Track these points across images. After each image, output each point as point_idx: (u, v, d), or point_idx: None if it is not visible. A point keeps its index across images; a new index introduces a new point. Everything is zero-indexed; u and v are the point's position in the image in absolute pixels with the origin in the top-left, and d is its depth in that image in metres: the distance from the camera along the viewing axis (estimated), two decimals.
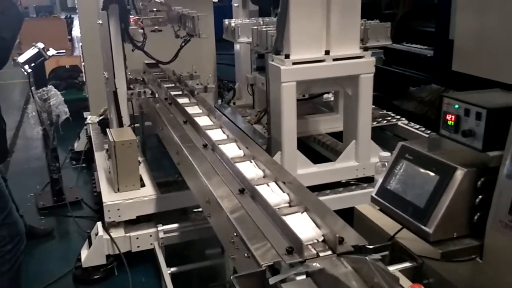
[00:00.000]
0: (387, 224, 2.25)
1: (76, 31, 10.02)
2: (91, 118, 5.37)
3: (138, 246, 3.37)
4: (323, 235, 1.87)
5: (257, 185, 2.28)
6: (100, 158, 4.17)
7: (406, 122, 4.66)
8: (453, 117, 1.97)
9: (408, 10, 5.94)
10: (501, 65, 3.98)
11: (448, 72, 4.58)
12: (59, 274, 3.48)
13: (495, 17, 4.06)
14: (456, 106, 1.96)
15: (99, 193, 3.67)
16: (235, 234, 1.95)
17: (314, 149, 4.42)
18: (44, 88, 4.29)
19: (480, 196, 1.88)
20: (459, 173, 1.86)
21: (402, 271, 1.94)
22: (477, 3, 4.24)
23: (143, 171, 3.73)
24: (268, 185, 2.33)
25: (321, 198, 3.44)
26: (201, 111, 3.63)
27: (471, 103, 1.90)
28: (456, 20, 4.53)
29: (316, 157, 3.95)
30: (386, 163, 2.36)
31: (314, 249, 1.79)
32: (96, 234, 3.35)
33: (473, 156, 1.90)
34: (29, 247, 3.86)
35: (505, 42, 3.96)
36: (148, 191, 3.49)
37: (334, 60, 3.53)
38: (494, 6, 4.06)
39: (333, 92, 4.84)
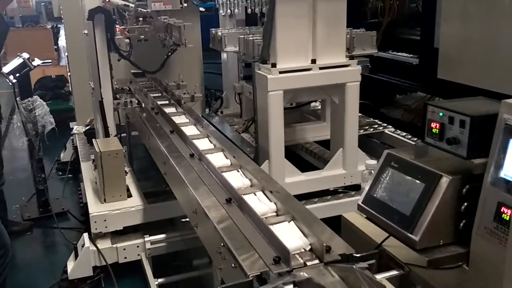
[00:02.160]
0: (374, 232, 2.25)
1: (62, 41, 9.99)
2: (77, 128, 5.33)
3: (125, 257, 3.34)
4: (310, 244, 1.87)
5: (244, 194, 2.27)
6: (86, 169, 4.14)
7: (393, 129, 4.68)
8: (437, 125, 1.98)
9: (393, 19, 6.00)
10: (485, 73, 4.04)
11: (434, 79, 4.65)
12: (45, 286, 3.43)
13: (478, 26, 4.12)
14: (441, 114, 1.97)
15: (86, 204, 3.64)
16: (222, 244, 1.95)
17: (302, 157, 4.42)
18: (30, 99, 4.26)
19: (465, 204, 1.89)
20: (444, 181, 1.87)
21: (389, 279, 1.94)
22: (461, 13, 4.30)
23: (129, 181, 3.71)
24: (255, 195, 2.33)
25: (308, 206, 3.44)
26: (188, 120, 3.62)
27: (455, 111, 1.91)
28: (440, 29, 4.61)
29: (304, 166, 3.95)
30: (372, 171, 2.37)
31: (301, 258, 1.79)
32: (83, 246, 3.31)
33: (458, 164, 1.91)
34: (14, 259, 3.82)
35: (488, 50, 4.02)
36: (135, 202, 3.47)
37: (321, 68, 3.55)
38: (478, 16, 4.13)
39: (320, 100, 4.86)
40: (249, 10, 4.45)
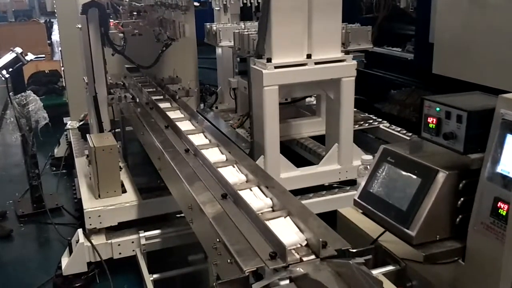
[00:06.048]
0: (370, 227, 2.25)
1: (55, 36, 9.91)
2: (71, 123, 5.31)
3: (120, 253, 3.33)
4: (306, 240, 1.86)
5: (240, 190, 2.26)
6: (80, 164, 4.11)
7: (388, 125, 4.69)
8: (434, 120, 1.98)
9: (388, 14, 6.00)
10: (481, 68, 4.04)
11: (428, 75, 4.65)
12: (39, 282, 3.41)
13: (473, 21, 4.12)
14: (437, 109, 1.97)
15: (80, 200, 3.62)
16: (218, 240, 1.94)
17: (297, 152, 4.42)
18: (23, 94, 4.23)
19: (462, 199, 1.89)
20: (441, 176, 1.87)
21: (385, 274, 1.94)
22: (456, 8, 4.30)
23: (124, 177, 3.69)
24: (251, 190, 2.32)
25: (304, 201, 3.44)
26: (182, 115, 3.61)
27: (452, 106, 1.91)
28: (435, 24, 4.60)
29: (299, 161, 3.95)
30: (368, 166, 2.37)
31: (298, 253, 1.79)
32: (77, 241, 3.29)
33: (454, 159, 1.91)
34: (8, 255, 3.80)
35: (483, 45, 4.02)
36: (130, 197, 3.46)
37: (316, 63, 3.53)
38: (473, 11, 4.12)
39: (315, 95, 4.85)
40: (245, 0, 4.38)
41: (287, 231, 1.93)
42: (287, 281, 1.64)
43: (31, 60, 4.40)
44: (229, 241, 1.87)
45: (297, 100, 4.79)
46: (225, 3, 4.19)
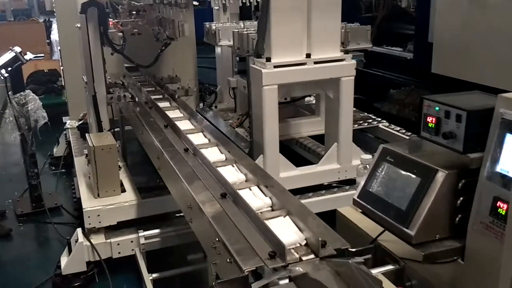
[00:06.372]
0: (369, 226, 2.25)
1: (55, 35, 9.91)
2: (70, 122, 5.30)
3: (119, 252, 3.33)
4: (305, 239, 1.86)
5: (239, 189, 2.27)
6: (79, 164, 4.11)
7: (387, 124, 4.69)
8: (433, 119, 1.98)
9: (388, 13, 6.00)
10: (480, 68, 4.05)
11: (428, 74, 4.65)
12: (38, 281, 3.40)
13: (474, 21, 4.12)
14: (437, 108, 1.96)
15: (79, 199, 3.62)
16: (217, 239, 1.94)
17: (296, 152, 4.42)
18: (22, 93, 4.22)
19: (461, 198, 1.89)
20: (440, 175, 1.87)
21: (385, 273, 1.94)
22: (456, 7, 4.30)
23: (123, 176, 3.69)
24: (251, 189, 2.32)
25: (303, 201, 3.44)
26: (182, 115, 3.61)
27: (451, 105, 1.91)
28: (435, 23, 4.61)
29: (298, 160, 3.95)
30: (367, 166, 2.37)
31: (297, 253, 1.79)
32: (76, 241, 3.29)
33: (454, 158, 1.90)
34: (7, 254, 3.80)
35: (482, 45, 4.02)
36: (129, 197, 3.45)
37: (315, 63, 3.53)
38: (472, 10, 4.12)
39: (314, 95, 4.85)
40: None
41: (286, 230, 1.93)
42: (287, 281, 1.65)
43: (30, 59, 4.40)
44: (228, 240, 1.88)
45: (297, 100, 4.79)
46: (224, 2, 4.16)
